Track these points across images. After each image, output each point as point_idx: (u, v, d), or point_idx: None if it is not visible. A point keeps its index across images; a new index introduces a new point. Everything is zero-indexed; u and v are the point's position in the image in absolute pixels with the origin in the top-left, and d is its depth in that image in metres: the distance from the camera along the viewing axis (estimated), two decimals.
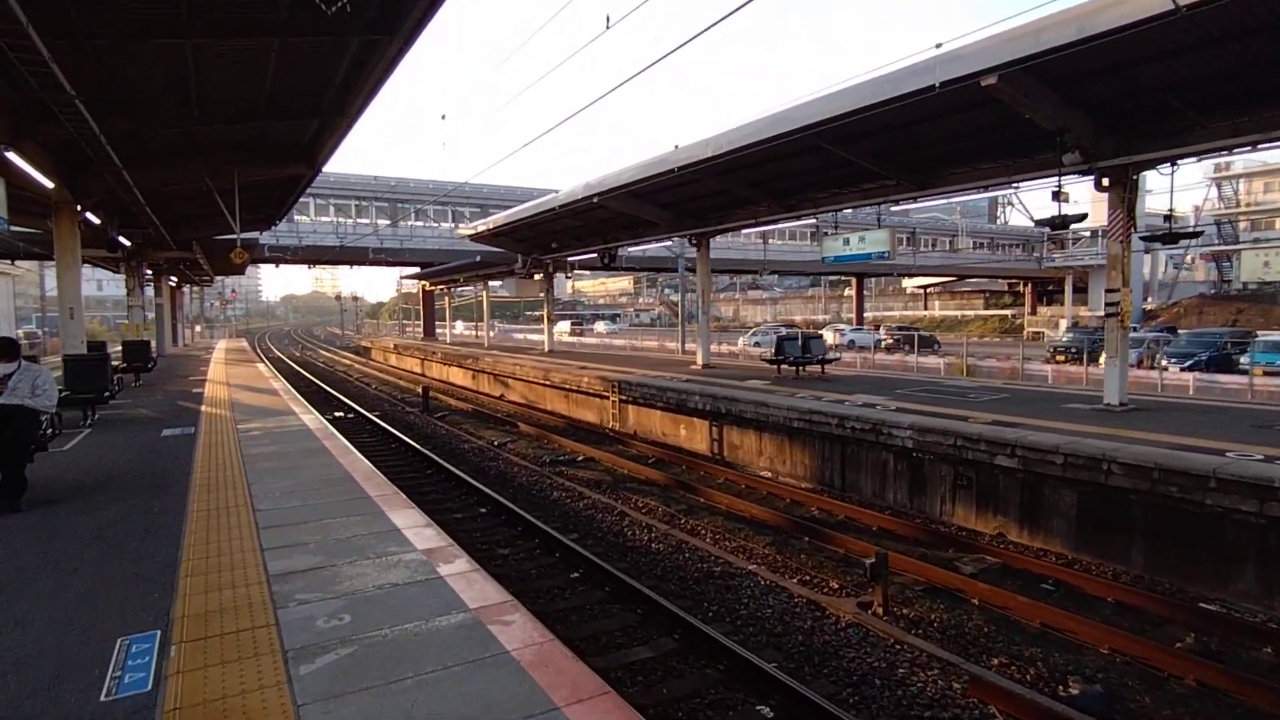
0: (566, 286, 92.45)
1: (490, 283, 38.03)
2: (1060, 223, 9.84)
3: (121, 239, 18.13)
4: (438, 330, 49.01)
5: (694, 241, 19.34)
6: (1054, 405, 11.56)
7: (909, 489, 10.71)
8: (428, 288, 45.72)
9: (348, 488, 6.59)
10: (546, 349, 28.86)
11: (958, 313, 73.68)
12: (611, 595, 7.03)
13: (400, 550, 4.79)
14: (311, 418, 10.94)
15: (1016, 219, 74.48)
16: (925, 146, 12.48)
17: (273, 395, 14.30)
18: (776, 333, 43.52)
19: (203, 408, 12.25)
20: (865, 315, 64.63)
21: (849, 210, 17.68)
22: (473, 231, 26.24)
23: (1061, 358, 29.74)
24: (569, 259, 26.60)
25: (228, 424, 10.30)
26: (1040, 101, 9.38)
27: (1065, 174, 9.86)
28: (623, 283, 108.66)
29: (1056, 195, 9.82)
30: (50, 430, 6.47)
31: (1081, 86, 9.49)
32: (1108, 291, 10.58)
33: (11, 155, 8.41)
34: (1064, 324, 57.22)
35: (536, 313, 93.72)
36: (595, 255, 24.69)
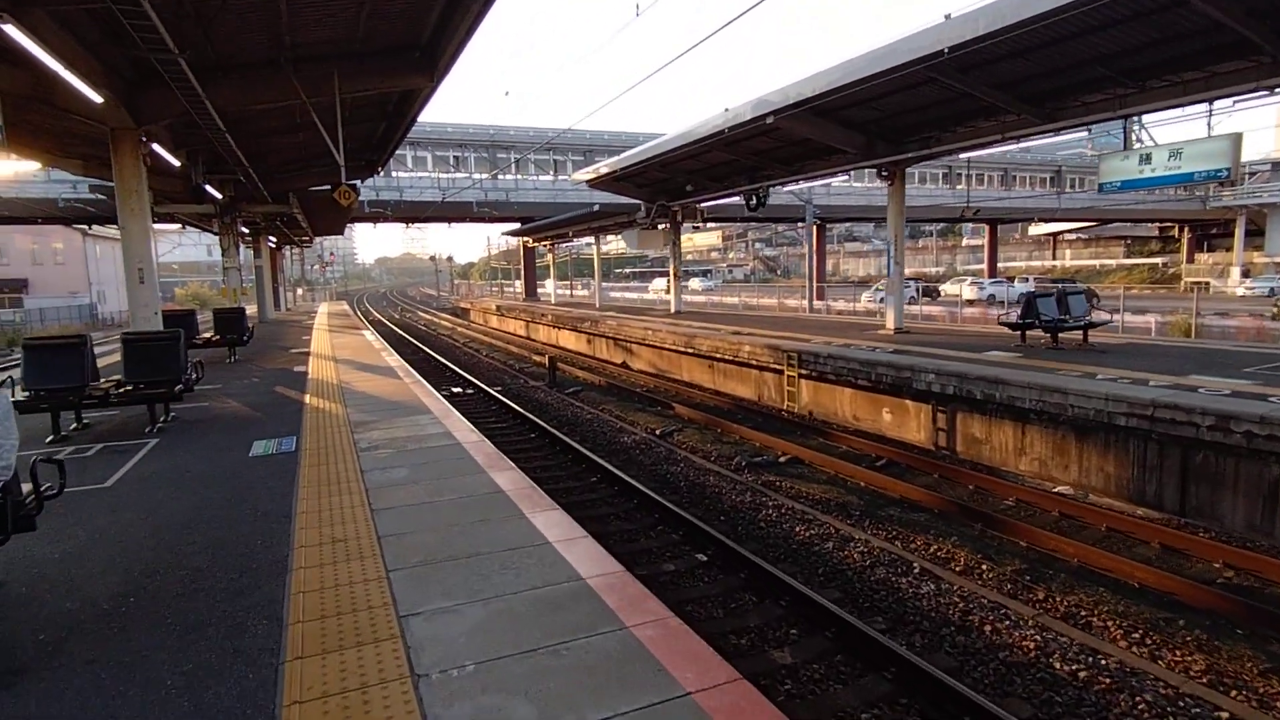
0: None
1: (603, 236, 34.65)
2: None
3: (210, 189, 15.62)
4: (539, 290, 46.26)
5: (885, 173, 15.26)
6: None
7: None
8: (529, 244, 42.72)
9: (614, 646, 3.14)
10: (674, 310, 25.41)
11: (1094, 262, 65.49)
12: None
13: None
14: (455, 420, 7.76)
15: None
16: None
17: (390, 377, 11.37)
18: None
19: (306, 398, 9.37)
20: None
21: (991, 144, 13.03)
22: (592, 175, 22.80)
23: None
24: (702, 204, 22.83)
25: (341, 433, 7.27)
26: None
27: None
28: (711, 238, 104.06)
29: None
30: (33, 498, 3.42)
31: None
32: None
33: (11, 29, 5.35)
34: (1235, 272, 49.54)
35: (626, 269, 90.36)
36: (738, 199, 20.90)
